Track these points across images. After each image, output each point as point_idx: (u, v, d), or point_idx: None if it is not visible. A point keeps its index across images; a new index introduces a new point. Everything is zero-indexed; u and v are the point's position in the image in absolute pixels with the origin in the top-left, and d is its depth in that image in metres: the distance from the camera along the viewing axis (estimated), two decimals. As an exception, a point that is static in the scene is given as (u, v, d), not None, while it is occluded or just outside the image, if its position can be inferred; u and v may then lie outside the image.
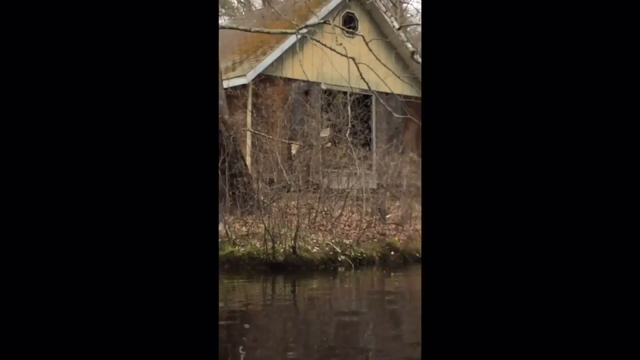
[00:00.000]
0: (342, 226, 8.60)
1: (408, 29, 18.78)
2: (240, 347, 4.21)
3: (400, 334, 4.89)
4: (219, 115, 8.55)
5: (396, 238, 8.61)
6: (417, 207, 9.34)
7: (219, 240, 7.54)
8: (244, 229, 8.02)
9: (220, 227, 7.93)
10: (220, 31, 11.06)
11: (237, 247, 7.59)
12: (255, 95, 11.42)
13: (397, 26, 14.13)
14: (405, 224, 9.14)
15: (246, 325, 4.85)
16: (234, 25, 13.48)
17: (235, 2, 21.53)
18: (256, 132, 10.42)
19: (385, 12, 13.71)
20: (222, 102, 9.18)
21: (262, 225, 7.72)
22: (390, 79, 11.28)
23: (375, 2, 13.16)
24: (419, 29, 22.16)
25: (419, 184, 10.38)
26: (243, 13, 20.08)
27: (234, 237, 7.80)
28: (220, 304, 5.59)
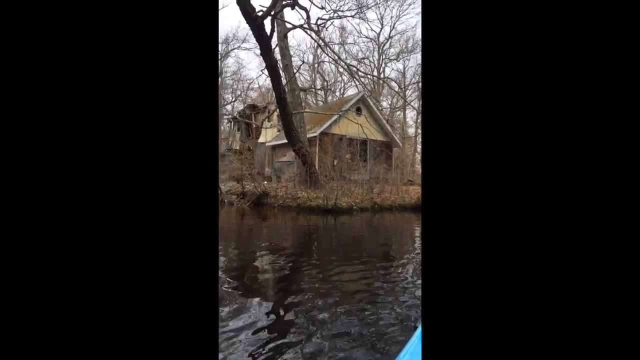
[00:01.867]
0: (355, 194, 8.42)
1: (384, 111, 18.60)
2: (314, 239, 4.26)
3: (379, 237, 4.86)
4: (305, 149, 8.68)
5: (377, 199, 8.46)
6: (386, 187, 9.33)
7: (307, 197, 7.77)
8: (314, 195, 7.95)
9: (305, 194, 8.10)
10: (305, 114, 11.27)
11: (312, 202, 7.60)
12: (320, 140, 11.56)
13: (380, 109, 14.01)
14: (380, 194, 8.98)
15: (314, 235, 4.80)
16: (314, 111, 13.45)
17: (311, 103, 21.43)
18: (320, 155, 10.57)
19: (374, 104, 13.61)
20: (306, 143, 9.34)
21: (322, 194, 7.74)
22: (375, 133, 11.27)
23: (370, 101, 13.08)
24: (387, 112, 21.78)
25: (387, 177, 10.36)
26: (315, 105, 20.20)
27: (310, 198, 7.79)
28: (304, 224, 5.79)
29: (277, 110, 8.56)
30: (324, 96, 21.24)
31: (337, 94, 22.48)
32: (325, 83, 20.60)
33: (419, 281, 2.61)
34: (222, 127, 19.98)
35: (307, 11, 6.34)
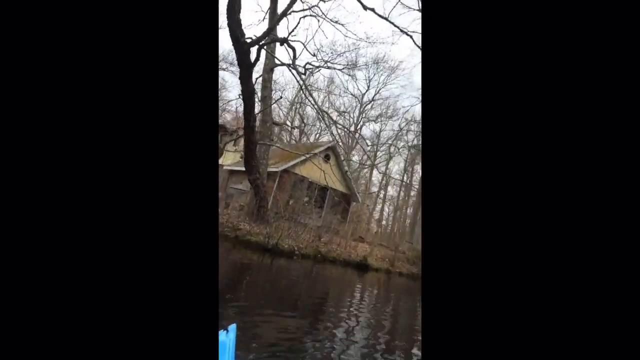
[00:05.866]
0: (301, 239, 8.12)
1: (353, 166, 19.39)
2: (245, 275, 4.00)
3: (317, 289, 4.59)
4: (262, 181, 8.59)
5: (323, 249, 8.18)
6: (334, 238, 9.26)
7: (248, 231, 7.43)
8: (257, 230, 7.56)
9: (248, 227, 7.78)
10: (274, 150, 11.36)
11: (252, 237, 7.22)
12: (280, 176, 11.57)
13: (349, 161, 14.53)
14: (328, 244, 8.74)
15: (249, 272, 4.43)
16: (281, 147, 13.59)
17: (284, 140, 21.89)
18: (276, 192, 10.47)
19: (344, 156, 14.11)
20: (265, 175, 9.27)
21: (265, 231, 7.38)
22: (337, 183, 11.58)
23: (339, 151, 13.57)
24: (356, 166, 22.72)
25: (339, 228, 10.39)
26: (287, 142, 20.58)
27: (252, 232, 7.41)
28: (238, 258, 5.43)
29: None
30: (298, 136, 21.91)
31: (312, 138, 23.30)
32: (302, 124, 21.37)
33: (352, 345, 2.44)
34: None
35: (294, 50, 6.73)
